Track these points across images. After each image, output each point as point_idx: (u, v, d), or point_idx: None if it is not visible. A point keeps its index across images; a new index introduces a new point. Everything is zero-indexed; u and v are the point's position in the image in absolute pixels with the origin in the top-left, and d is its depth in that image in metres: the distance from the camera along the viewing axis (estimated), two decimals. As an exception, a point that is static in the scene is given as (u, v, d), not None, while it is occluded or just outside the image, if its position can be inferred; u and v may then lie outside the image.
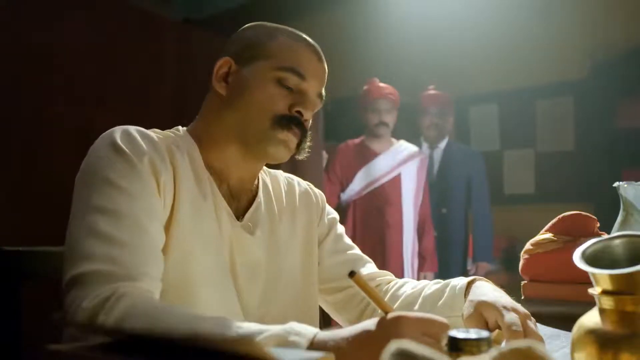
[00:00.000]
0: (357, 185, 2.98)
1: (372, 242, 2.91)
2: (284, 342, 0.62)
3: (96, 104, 1.84)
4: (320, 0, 3.79)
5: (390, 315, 0.64)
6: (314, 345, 0.62)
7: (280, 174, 1.11)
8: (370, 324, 0.64)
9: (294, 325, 0.64)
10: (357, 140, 3.08)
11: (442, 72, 4.34)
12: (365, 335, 0.63)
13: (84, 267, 0.73)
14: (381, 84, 3.05)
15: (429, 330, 0.62)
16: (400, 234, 2.96)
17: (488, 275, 2.60)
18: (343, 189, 3.01)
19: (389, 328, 0.62)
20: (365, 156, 3.01)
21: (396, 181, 3.00)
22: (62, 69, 1.77)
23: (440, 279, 1.02)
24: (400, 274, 2.87)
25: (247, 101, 0.92)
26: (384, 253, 2.93)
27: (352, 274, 0.66)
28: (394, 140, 3.06)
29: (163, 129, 0.96)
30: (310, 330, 0.63)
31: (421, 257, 3.06)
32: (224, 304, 0.87)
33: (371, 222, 2.96)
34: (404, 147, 3.06)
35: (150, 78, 2.03)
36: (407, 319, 0.63)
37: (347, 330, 0.65)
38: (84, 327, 0.63)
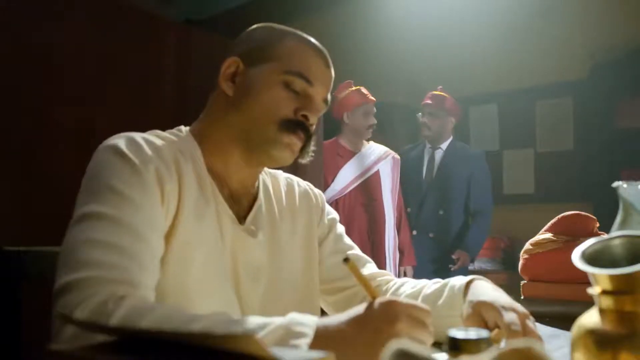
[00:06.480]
0: (339, 184, 3.03)
1: (358, 239, 2.93)
2: (290, 333, 0.64)
3: (96, 104, 1.84)
4: (320, 1, 3.80)
5: (381, 299, 0.69)
6: (317, 332, 0.65)
7: (280, 174, 1.11)
8: (360, 308, 0.69)
9: (294, 316, 0.67)
10: (331, 141, 3.14)
11: (442, 72, 4.34)
12: (361, 316, 0.68)
13: (80, 274, 0.71)
14: (361, 87, 3.11)
15: (416, 314, 0.68)
16: (383, 229, 3.02)
17: (487, 275, 2.61)
18: (323, 190, 3.04)
19: (383, 308, 0.68)
20: (343, 156, 3.09)
21: (376, 178, 3.08)
22: (62, 69, 1.77)
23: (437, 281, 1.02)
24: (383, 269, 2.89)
25: (253, 103, 0.91)
26: (372, 249, 2.97)
27: (346, 260, 0.70)
28: (364, 141, 3.15)
29: (163, 129, 0.96)
30: (310, 319, 0.67)
31: (400, 251, 3.12)
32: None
33: (356, 220, 3.00)
34: (375, 147, 3.17)
35: (150, 78, 2.03)
36: (398, 302, 0.69)
37: (341, 316, 0.69)
38: (87, 327, 0.63)
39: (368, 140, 3.17)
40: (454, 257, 3.15)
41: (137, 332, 0.47)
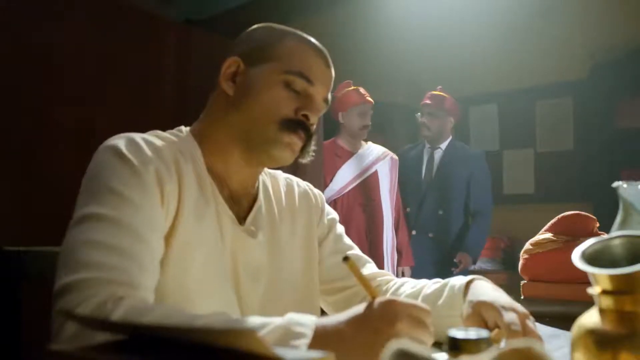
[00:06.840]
0: (337, 184, 3.03)
1: (357, 239, 2.94)
2: (289, 333, 0.64)
3: (96, 104, 1.84)
4: (320, 1, 3.79)
5: (380, 299, 0.69)
6: (316, 332, 0.65)
7: (280, 174, 1.11)
8: (360, 308, 0.69)
9: (293, 316, 0.67)
10: (329, 141, 3.14)
11: (442, 72, 4.34)
12: (360, 316, 0.68)
13: (80, 275, 0.71)
14: (359, 88, 3.10)
15: (416, 314, 0.68)
16: (381, 229, 3.03)
17: (487, 275, 2.61)
18: (322, 190, 3.04)
19: (383, 308, 0.67)
20: (341, 156, 3.09)
21: (375, 178, 3.08)
22: (62, 69, 1.77)
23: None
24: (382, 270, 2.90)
25: (254, 102, 0.91)
26: (370, 250, 2.97)
27: (346, 259, 0.70)
28: (362, 142, 3.15)
29: (163, 129, 0.96)
30: (309, 319, 0.67)
31: (398, 252, 3.13)
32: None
33: (355, 220, 3.00)
34: (373, 148, 3.16)
35: (150, 78, 2.03)
36: (398, 301, 0.69)
37: (340, 316, 0.69)
38: (88, 323, 0.63)
39: (367, 140, 3.17)
40: (455, 260, 3.15)
41: (138, 327, 0.47)
